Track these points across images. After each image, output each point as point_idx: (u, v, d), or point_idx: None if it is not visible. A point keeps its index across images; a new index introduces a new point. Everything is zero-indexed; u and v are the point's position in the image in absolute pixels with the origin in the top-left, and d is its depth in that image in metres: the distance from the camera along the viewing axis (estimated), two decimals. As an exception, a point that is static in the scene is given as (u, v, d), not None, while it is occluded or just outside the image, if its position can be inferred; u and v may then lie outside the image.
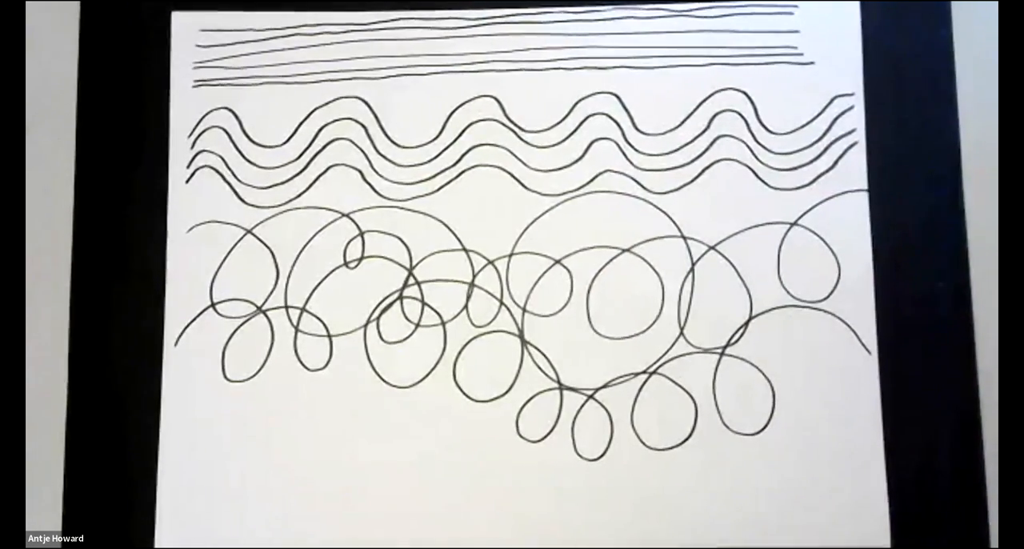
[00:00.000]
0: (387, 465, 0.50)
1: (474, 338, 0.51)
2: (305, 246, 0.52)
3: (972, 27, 0.52)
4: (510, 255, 0.51)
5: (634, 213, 0.51)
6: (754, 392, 0.50)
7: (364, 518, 0.50)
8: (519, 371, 0.50)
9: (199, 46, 0.53)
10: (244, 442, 0.50)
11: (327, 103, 0.52)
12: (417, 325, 0.51)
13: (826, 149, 0.51)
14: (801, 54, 0.52)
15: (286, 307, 0.51)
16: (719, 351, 0.50)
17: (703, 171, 0.52)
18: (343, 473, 0.50)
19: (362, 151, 0.52)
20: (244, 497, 0.50)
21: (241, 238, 0.52)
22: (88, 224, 0.52)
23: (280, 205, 0.52)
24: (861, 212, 0.51)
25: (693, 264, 0.51)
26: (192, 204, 0.52)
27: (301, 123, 0.52)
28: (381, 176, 0.52)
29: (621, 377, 0.50)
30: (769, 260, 0.51)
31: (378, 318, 0.51)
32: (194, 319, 0.51)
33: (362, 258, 0.52)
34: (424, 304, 0.51)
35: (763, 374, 0.50)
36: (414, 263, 0.51)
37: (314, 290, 0.51)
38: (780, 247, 0.51)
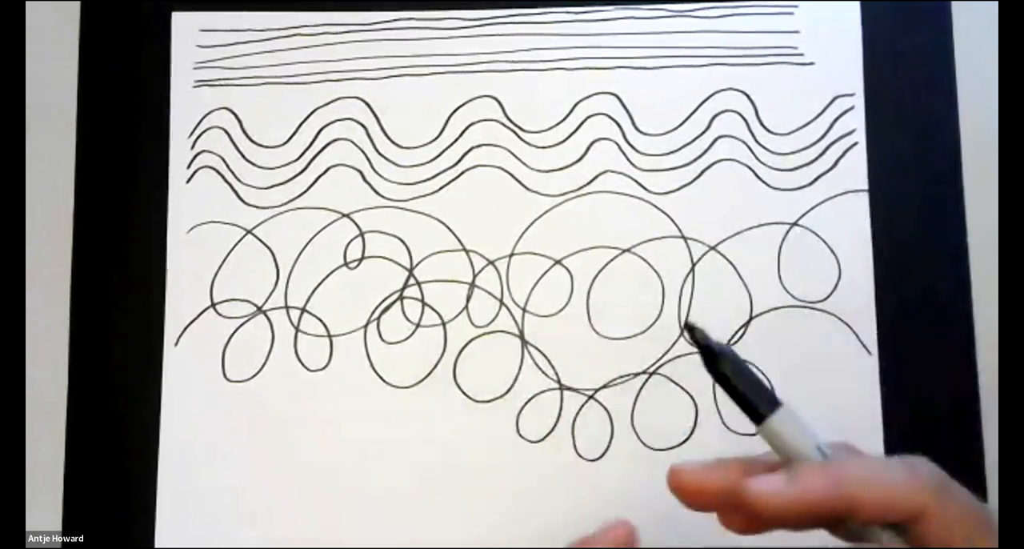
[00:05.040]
0: (387, 465, 0.50)
1: (474, 338, 0.51)
2: (305, 246, 0.52)
3: (972, 27, 0.52)
4: (510, 255, 0.51)
5: (634, 213, 0.51)
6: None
7: (364, 518, 0.49)
8: (519, 371, 0.50)
9: (199, 46, 0.53)
10: (244, 442, 0.50)
11: (327, 103, 0.52)
12: (417, 325, 0.51)
13: (826, 149, 0.51)
14: (801, 54, 0.52)
15: (286, 307, 0.51)
16: (719, 351, 0.50)
17: (703, 171, 0.51)
18: (343, 473, 0.50)
19: (362, 151, 0.52)
20: (244, 497, 0.50)
21: (241, 238, 0.52)
22: (88, 224, 0.52)
23: (280, 205, 0.52)
24: (861, 212, 0.51)
25: (693, 264, 0.51)
26: (192, 204, 0.52)
27: (301, 123, 0.52)
28: (381, 176, 0.52)
29: (621, 377, 0.50)
30: (769, 260, 0.51)
31: (378, 318, 0.51)
32: (194, 319, 0.51)
33: (362, 258, 0.52)
34: (424, 304, 0.51)
35: (763, 374, 0.50)
36: (414, 263, 0.51)
37: (314, 290, 0.51)
38: (780, 247, 0.51)
